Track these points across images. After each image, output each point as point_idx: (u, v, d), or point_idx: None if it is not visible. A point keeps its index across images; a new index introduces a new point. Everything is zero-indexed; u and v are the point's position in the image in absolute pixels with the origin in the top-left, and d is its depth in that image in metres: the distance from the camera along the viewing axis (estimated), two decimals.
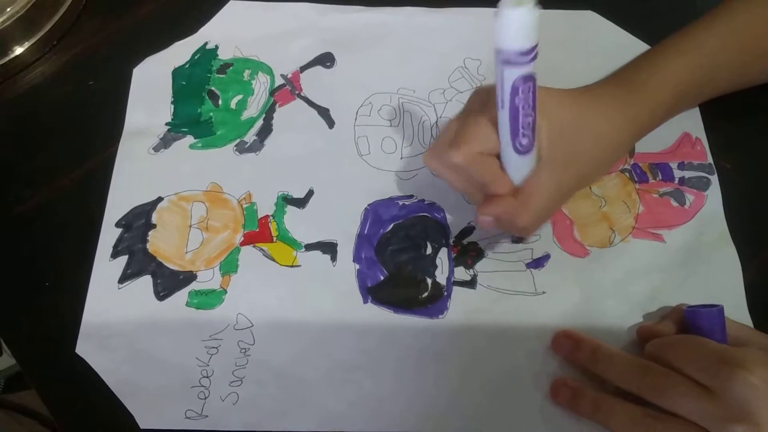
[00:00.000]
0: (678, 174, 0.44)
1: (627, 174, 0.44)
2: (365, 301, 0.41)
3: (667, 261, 0.41)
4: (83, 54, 0.51)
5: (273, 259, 0.42)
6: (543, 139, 0.35)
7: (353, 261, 0.42)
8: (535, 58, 0.31)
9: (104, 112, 0.48)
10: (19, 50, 0.49)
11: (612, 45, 0.49)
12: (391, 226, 0.43)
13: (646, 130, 0.40)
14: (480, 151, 0.35)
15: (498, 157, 0.36)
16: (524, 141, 0.33)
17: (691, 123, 0.46)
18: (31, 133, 0.48)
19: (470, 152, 0.35)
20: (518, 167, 0.35)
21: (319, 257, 0.42)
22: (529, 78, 0.31)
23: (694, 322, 0.36)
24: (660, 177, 0.44)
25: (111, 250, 0.43)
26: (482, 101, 0.36)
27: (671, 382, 0.33)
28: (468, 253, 0.42)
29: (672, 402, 0.32)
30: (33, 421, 0.55)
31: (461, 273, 0.41)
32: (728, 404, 0.30)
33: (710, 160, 0.45)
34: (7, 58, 0.49)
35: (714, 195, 0.43)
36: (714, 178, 0.44)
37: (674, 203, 0.43)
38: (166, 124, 0.47)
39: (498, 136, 0.34)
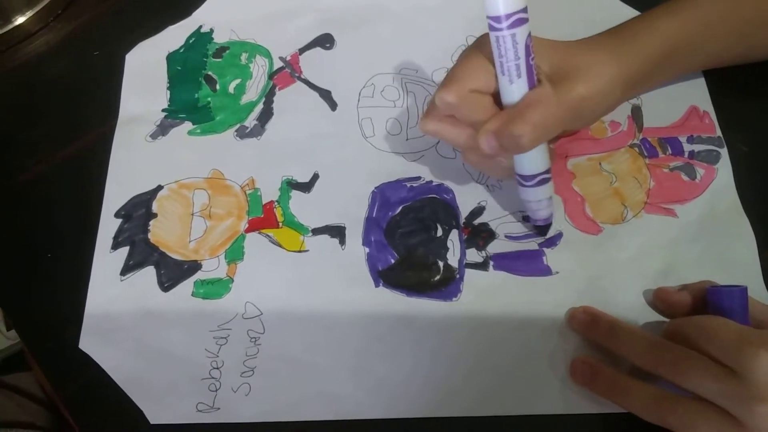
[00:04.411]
0: (687, 148, 0.43)
1: (636, 149, 0.43)
2: (377, 285, 0.40)
3: (681, 235, 0.41)
4: (88, 24, 0.50)
5: (280, 245, 0.41)
6: (543, 63, 0.35)
7: (363, 245, 0.41)
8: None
9: (108, 83, 0.47)
10: (21, 19, 0.48)
11: (600, 12, 0.48)
12: (400, 208, 0.42)
13: (637, 78, 0.39)
14: (471, 89, 0.35)
15: (492, 95, 0.36)
16: None
17: (698, 96, 0.45)
18: (33, 102, 0.47)
19: (462, 89, 0.35)
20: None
21: (327, 241, 0.41)
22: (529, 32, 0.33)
23: (716, 301, 0.35)
24: (670, 151, 0.43)
25: (111, 241, 0.41)
26: (471, 50, 0.36)
27: (691, 361, 0.32)
28: (479, 234, 0.41)
29: (692, 381, 0.32)
30: (27, 400, 0.54)
31: (473, 255, 0.41)
32: (751, 384, 0.30)
33: (719, 133, 0.44)
34: (9, 27, 0.48)
35: (724, 168, 0.43)
36: (723, 151, 0.43)
37: (685, 177, 0.43)
38: (163, 110, 0.46)
39: (494, 76, 0.35)
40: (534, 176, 0.37)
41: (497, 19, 0.33)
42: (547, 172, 0.37)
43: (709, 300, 0.36)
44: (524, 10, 0.33)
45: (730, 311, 0.34)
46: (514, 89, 0.34)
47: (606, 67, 0.36)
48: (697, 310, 0.36)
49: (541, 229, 0.41)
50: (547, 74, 0.35)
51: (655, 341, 0.34)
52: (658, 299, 0.38)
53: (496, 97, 0.36)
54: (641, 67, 0.38)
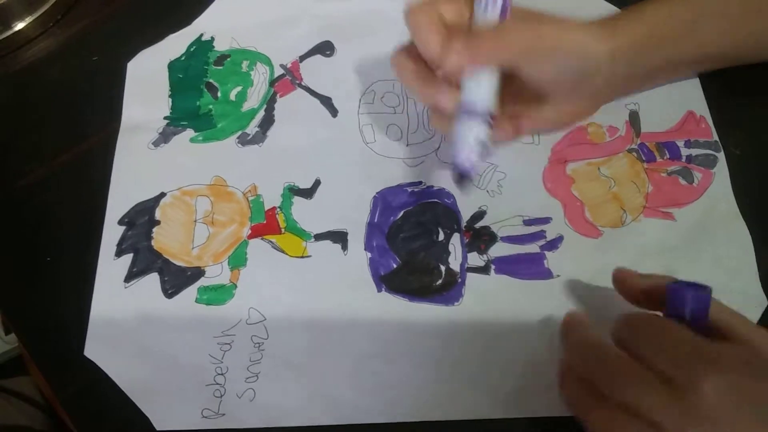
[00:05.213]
0: (685, 152, 0.44)
1: (635, 154, 0.44)
2: (379, 290, 0.40)
3: (679, 239, 0.41)
4: (88, 30, 0.50)
5: (282, 251, 0.41)
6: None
7: (365, 250, 0.41)
8: None
9: (107, 89, 0.47)
10: (21, 25, 0.49)
11: (591, 13, 0.48)
12: (401, 213, 0.42)
13: (624, 58, 0.38)
14: (444, 4, 0.36)
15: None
16: None
17: (694, 101, 0.46)
18: (34, 108, 0.47)
19: (429, 9, 0.36)
20: None
21: (330, 247, 0.41)
22: None
23: (677, 301, 0.32)
24: (667, 156, 0.44)
25: (115, 248, 0.42)
26: None
27: (631, 372, 0.30)
28: (481, 237, 0.41)
29: (628, 394, 0.30)
30: (26, 403, 0.54)
31: (475, 259, 0.41)
32: (692, 405, 0.28)
33: (716, 137, 0.45)
34: (9, 32, 0.48)
35: (721, 172, 0.43)
36: (720, 155, 0.44)
37: (682, 181, 0.43)
38: (165, 118, 0.46)
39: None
40: (473, 104, 0.35)
41: None
42: (489, 115, 0.35)
43: (670, 297, 0.32)
44: None
45: (690, 313, 0.31)
46: (488, 18, 0.35)
47: (587, 38, 0.36)
48: (652, 300, 0.35)
49: (459, 178, 0.36)
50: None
51: (596, 349, 0.32)
52: (616, 280, 0.37)
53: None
54: (628, 47, 0.38)
